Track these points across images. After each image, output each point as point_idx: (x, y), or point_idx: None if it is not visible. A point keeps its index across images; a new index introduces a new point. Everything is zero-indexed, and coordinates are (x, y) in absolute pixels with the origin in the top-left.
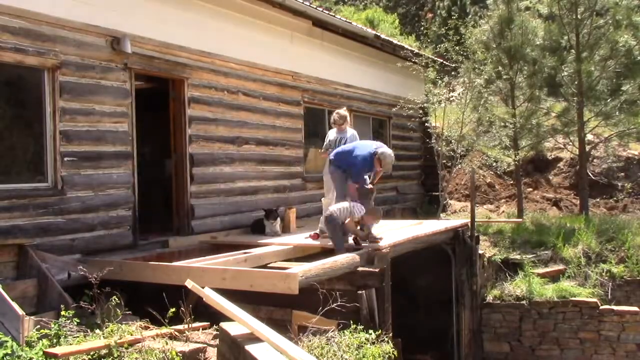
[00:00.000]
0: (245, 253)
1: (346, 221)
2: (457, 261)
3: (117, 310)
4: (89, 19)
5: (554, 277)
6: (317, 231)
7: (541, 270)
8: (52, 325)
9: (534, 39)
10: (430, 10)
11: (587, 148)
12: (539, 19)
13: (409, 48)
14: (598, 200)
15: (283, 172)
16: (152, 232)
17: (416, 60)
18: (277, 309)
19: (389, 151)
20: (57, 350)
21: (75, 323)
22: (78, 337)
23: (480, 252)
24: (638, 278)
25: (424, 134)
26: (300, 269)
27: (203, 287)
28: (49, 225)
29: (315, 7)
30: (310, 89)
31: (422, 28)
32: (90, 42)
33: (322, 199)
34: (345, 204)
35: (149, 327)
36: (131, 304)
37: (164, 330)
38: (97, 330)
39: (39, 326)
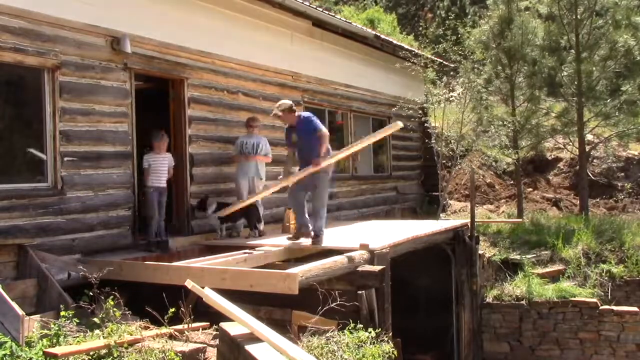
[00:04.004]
0: (245, 253)
1: None
2: (457, 261)
3: (117, 310)
4: (89, 19)
5: (554, 278)
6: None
7: (541, 270)
8: (52, 325)
9: (534, 39)
10: (430, 10)
11: (587, 148)
12: (538, 19)
13: (409, 48)
14: (598, 200)
15: (283, 172)
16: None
17: (415, 61)
18: (277, 309)
19: None
20: (57, 350)
21: (75, 323)
22: (78, 337)
23: (480, 252)
24: (638, 278)
25: (424, 134)
26: (300, 269)
27: (203, 287)
28: (49, 225)
29: (315, 7)
30: (310, 89)
31: (421, 28)
32: (90, 42)
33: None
34: None
35: (149, 327)
36: (131, 304)
37: (164, 330)
38: (97, 330)
39: (38, 325)
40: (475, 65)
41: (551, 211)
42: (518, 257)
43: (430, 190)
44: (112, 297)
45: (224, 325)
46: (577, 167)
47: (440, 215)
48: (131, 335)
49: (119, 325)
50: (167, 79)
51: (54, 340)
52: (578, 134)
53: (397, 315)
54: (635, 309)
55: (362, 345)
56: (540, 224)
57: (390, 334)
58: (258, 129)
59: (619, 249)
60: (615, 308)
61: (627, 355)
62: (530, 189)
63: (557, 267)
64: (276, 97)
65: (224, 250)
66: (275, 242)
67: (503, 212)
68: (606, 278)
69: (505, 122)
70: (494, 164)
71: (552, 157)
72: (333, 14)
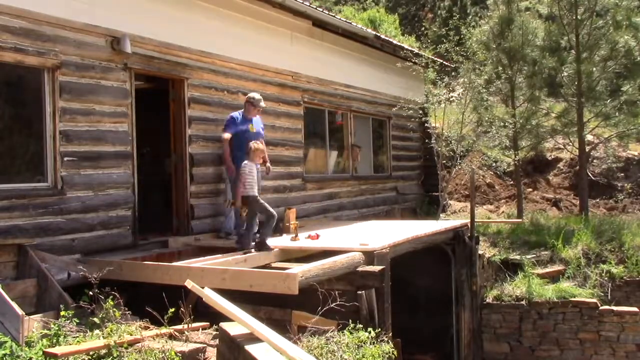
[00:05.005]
0: (245, 253)
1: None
2: (457, 261)
3: (117, 310)
4: (89, 19)
5: (554, 278)
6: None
7: (541, 270)
8: (52, 325)
9: (534, 39)
10: (431, 11)
11: (587, 148)
12: (539, 20)
13: (409, 48)
14: (598, 200)
15: (283, 172)
16: (152, 232)
17: (416, 61)
18: (277, 309)
19: None
20: (57, 350)
21: (75, 323)
22: (78, 337)
23: (480, 252)
24: (637, 278)
25: (424, 135)
26: (300, 269)
27: (203, 287)
28: (48, 225)
29: (315, 7)
30: (310, 89)
31: (422, 28)
32: (90, 42)
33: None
34: None
35: (149, 327)
36: (131, 304)
37: (164, 330)
38: (97, 330)
39: (38, 325)
40: (476, 66)
41: (551, 211)
42: (518, 257)
43: (430, 191)
44: (112, 297)
45: (224, 325)
46: (577, 167)
47: (440, 215)
48: (131, 335)
49: (118, 325)
50: (167, 79)
51: (54, 340)
52: (578, 135)
53: (397, 315)
54: (635, 309)
55: (362, 346)
56: (540, 224)
57: (390, 334)
58: None
59: (618, 250)
60: (615, 308)
61: (627, 356)
62: (530, 189)
63: (557, 267)
64: (276, 97)
65: (223, 251)
66: (273, 243)
67: (503, 212)
68: (606, 278)
69: (505, 123)
70: (494, 164)
71: (552, 157)
72: (333, 14)
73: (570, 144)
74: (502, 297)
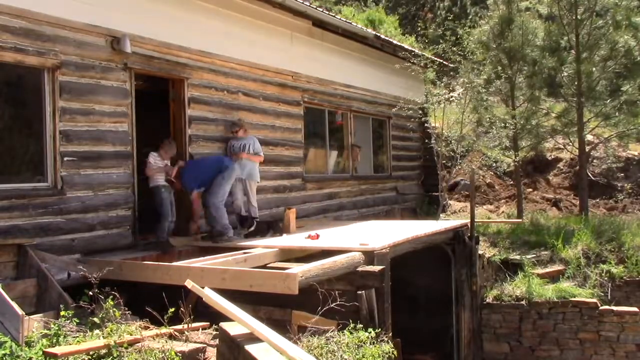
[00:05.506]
0: (245, 253)
1: None
2: (457, 261)
3: (117, 310)
4: (89, 19)
5: (554, 278)
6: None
7: (541, 270)
8: (52, 325)
9: (534, 39)
10: (430, 11)
11: (587, 148)
12: (539, 20)
13: (409, 48)
14: (598, 200)
15: (283, 172)
16: (152, 232)
17: (415, 61)
18: (277, 309)
19: None
20: (57, 350)
21: (75, 323)
22: (78, 337)
23: (480, 252)
24: (637, 278)
25: (424, 135)
26: (300, 269)
27: (203, 287)
28: (48, 225)
29: (315, 7)
30: (310, 89)
31: (421, 29)
32: (90, 42)
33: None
34: None
35: (149, 327)
36: (131, 304)
37: (164, 330)
38: (97, 330)
39: (38, 325)
40: (475, 66)
41: (551, 211)
42: (518, 257)
43: (430, 191)
44: (111, 297)
45: (224, 325)
46: (577, 167)
47: (440, 215)
48: (131, 335)
49: (118, 325)
50: (167, 78)
51: (54, 340)
52: (578, 135)
53: (397, 315)
54: (635, 309)
55: (362, 345)
56: (540, 224)
57: (390, 334)
58: (242, 131)
59: (618, 250)
60: (615, 308)
61: (627, 356)
62: (530, 190)
63: (557, 267)
64: (276, 97)
65: (222, 251)
66: (273, 243)
67: (503, 212)
68: (606, 278)
69: (505, 123)
70: (494, 164)
71: (552, 157)
72: (333, 14)
73: (570, 144)
74: (502, 297)
